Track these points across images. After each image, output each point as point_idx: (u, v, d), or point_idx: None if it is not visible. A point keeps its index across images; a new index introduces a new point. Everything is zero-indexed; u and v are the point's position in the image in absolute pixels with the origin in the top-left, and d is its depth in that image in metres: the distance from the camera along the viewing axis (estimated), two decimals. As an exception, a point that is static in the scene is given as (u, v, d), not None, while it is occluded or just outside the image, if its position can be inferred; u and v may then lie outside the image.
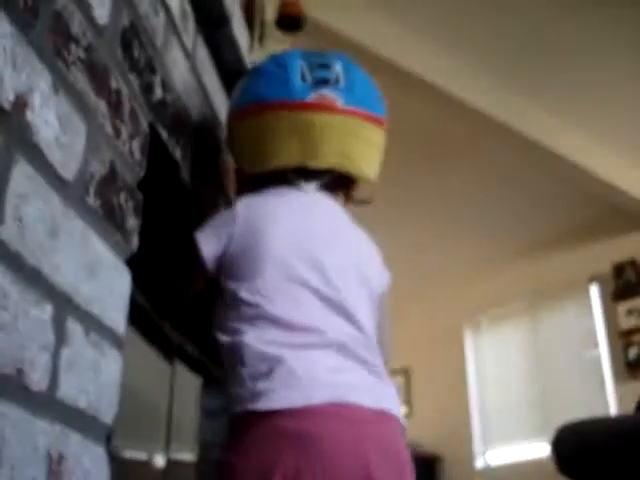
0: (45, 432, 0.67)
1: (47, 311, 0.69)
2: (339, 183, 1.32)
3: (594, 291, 5.49)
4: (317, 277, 1.18)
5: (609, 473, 2.57)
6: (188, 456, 1.98)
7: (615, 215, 5.22)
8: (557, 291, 5.64)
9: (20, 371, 0.64)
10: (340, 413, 1.05)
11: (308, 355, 1.09)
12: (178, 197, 1.20)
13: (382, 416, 1.10)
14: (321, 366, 1.09)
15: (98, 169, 0.82)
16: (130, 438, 1.63)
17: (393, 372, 6.37)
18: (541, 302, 5.76)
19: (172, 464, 1.76)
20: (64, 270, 0.72)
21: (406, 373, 6.51)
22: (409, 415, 6.31)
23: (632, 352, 5.09)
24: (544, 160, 4.50)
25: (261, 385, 1.06)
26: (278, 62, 1.29)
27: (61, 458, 0.70)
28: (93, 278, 0.78)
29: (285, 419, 1.03)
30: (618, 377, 5.12)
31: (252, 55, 1.60)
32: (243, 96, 1.31)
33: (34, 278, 0.67)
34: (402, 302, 5.91)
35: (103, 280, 0.81)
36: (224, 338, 1.15)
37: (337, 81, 1.27)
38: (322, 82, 1.26)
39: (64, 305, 0.72)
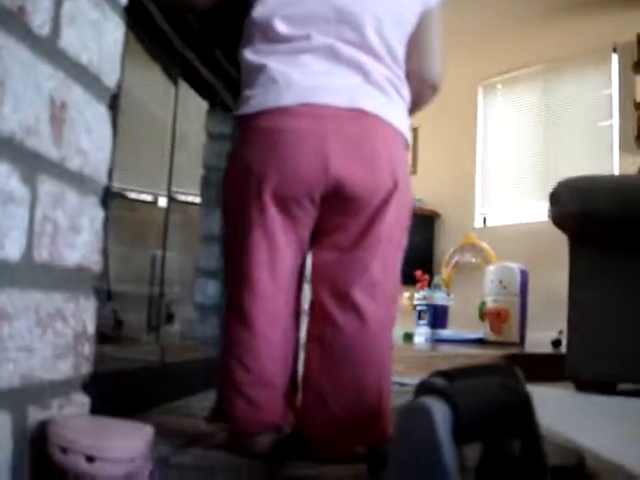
0: (48, 76, 0.69)
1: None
2: None
3: (615, 60, 5.36)
4: None
5: (601, 227, 2.67)
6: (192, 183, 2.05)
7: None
8: (577, 58, 5.51)
9: (22, 9, 0.65)
10: (310, 112, 1.13)
11: (293, 60, 1.17)
12: None
13: (355, 114, 1.15)
14: (303, 70, 1.16)
15: None
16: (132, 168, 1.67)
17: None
18: (559, 68, 5.65)
19: (175, 192, 1.83)
20: None
21: (414, 131, 6.54)
22: (413, 173, 6.44)
23: (644, 125, 5.06)
24: None
25: (247, 92, 1.18)
26: None
27: (64, 106, 0.72)
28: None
29: (260, 119, 1.15)
30: (626, 148, 5.13)
31: None
32: None
33: None
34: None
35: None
36: (239, 52, 1.23)
37: None
38: None
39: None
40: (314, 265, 1.22)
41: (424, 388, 0.78)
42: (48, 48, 0.69)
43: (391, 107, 1.21)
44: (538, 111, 5.77)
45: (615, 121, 5.28)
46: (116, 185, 1.58)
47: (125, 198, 1.83)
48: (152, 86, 1.79)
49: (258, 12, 1.20)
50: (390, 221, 1.19)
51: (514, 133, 5.89)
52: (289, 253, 1.17)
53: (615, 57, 5.35)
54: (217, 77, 1.87)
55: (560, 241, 2.93)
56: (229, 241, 1.21)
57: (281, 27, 1.18)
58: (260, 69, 1.17)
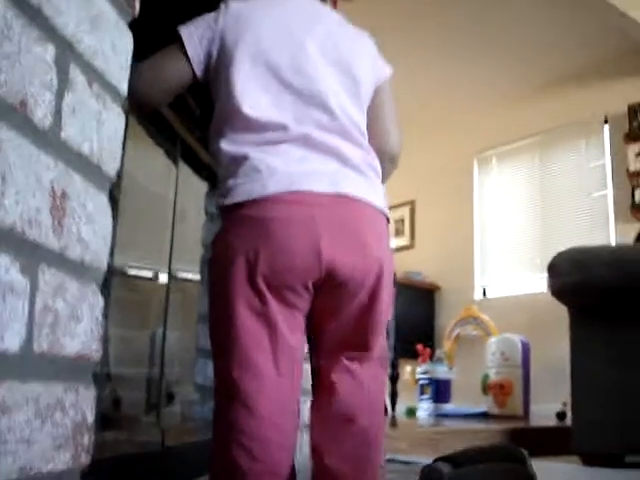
0: (49, 168, 0.70)
1: (50, 52, 0.70)
2: None
3: (607, 131, 5.45)
4: (288, 63, 1.25)
5: (601, 297, 2.66)
6: (192, 259, 2.05)
7: (635, 53, 5.10)
8: (570, 129, 5.61)
9: (24, 103, 0.66)
10: (296, 200, 1.16)
11: (273, 150, 1.19)
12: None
13: (340, 199, 1.19)
14: (283, 159, 1.19)
15: None
16: (133, 249, 1.69)
17: (398, 204, 6.50)
18: (553, 140, 5.74)
19: (176, 270, 1.84)
20: (66, 15, 0.73)
21: (411, 205, 6.60)
22: (411, 246, 6.47)
23: (638, 194, 5.11)
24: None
25: (230, 182, 1.20)
26: None
27: (65, 196, 0.73)
28: (95, 31, 0.79)
29: (246, 209, 1.17)
30: (622, 218, 5.17)
31: None
32: None
33: (35, 16, 0.68)
34: (412, 134, 5.89)
35: (105, 35, 0.82)
36: (210, 144, 1.28)
37: None
38: None
39: (67, 50, 0.73)
40: (318, 344, 1.26)
41: (430, 476, 0.77)
42: (49, 140, 0.71)
43: (370, 188, 1.25)
44: (533, 182, 5.83)
45: (609, 191, 5.33)
46: (116, 264, 1.59)
47: (125, 278, 1.83)
48: (154, 167, 1.81)
49: (226, 103, 1.23)
50: (384, 300, 1.24)
51: (510, 205, 5.94)
52: (288, 337, 1.18)
53: (607, 128, 5.44)
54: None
55: (560, 311, 2.93)
56: (221, 327, 1.19)
57: (255, 116, 1.21)
58: (241, 159, 1.19)
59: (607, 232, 5.25)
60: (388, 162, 1.40)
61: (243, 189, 1.17)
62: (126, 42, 0.88)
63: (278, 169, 1.17)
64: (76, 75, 0.75)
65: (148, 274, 1.91)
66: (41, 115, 0.69)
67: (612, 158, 5.36)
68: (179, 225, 1.79)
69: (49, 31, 0.70)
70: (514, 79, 5.71)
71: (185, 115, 1.63)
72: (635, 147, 5.21)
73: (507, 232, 5.91)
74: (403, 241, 6.51)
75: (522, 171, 5.94)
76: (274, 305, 1.15)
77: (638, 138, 5.21)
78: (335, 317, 1.22)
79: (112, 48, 0.83)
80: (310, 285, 1.17)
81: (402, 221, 6.62)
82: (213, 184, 2.04)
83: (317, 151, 1.21)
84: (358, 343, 1.24)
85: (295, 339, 1.19)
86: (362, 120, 1.32)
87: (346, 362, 1.24)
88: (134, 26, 0.90)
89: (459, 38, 5.11)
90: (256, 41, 1.25)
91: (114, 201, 0.87)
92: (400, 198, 6.43)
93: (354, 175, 1.23)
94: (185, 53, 1.25)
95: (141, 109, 1.34)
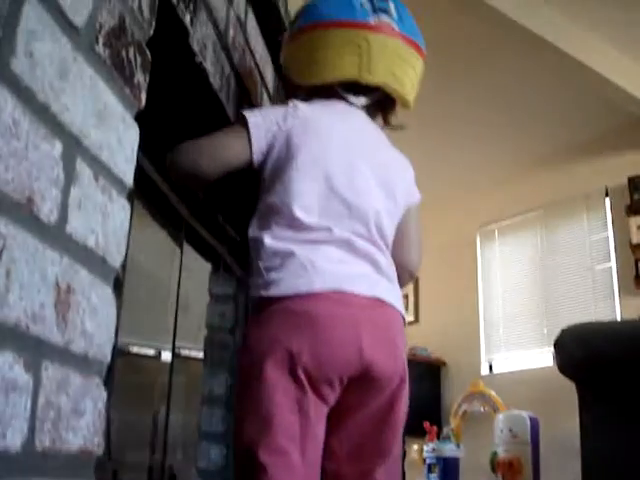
0: (54, 262, 0.70)
1: (57, 148, 0.71)
2: (380, 104, 1.51)
3: (608, 204, 5.48)
4: (344, 176, 1.35)
5: (608, 373, 2.63)
6: (195, 342, 2.05)
7: (634, 127, 5.17)
8: (572, 203, 5.64)
9: (30, 200, 0.67)
10: (338, 298, 1.24)
11: (316, 249, 1.27)
12: (187, 66, 1.20)
13: (376, 302, 1.28)
14: (326, 258, 1.27)
15: (107, 20, 0.83)
16: (139, 321, 1.68)
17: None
18: (555, 214, 5.76)
19: (180, 350, 1.82)
20: (73, 111, 0.74)
21: (415, 281, 6.59)
22: (416, 321, 6.43)
23: (642, 266, 5.11)
24: (565, 68, 4.43)
25: (273, 275, 1.25)
26: None
27: (69, 289, 0.73)
28: (102, 125, 0.80)
29: (292, 302, 1.22)
30: (626, 290, 5.15)
31: None
32: (307, 17, 1.45)
33: (43, 114, 0.69)
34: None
35: (112, 129, 0.83)
36: (250, 233, 1.34)
37: (391, 12, 1.43)
38: (382, 10, 1.41)
39: (73, 145, 0.74)
40: (335, 441, 1.27)
41: None
42: (55, 234, 0.71)
43: (396, 293, 1.35)
44: (537, 255, 5.83)
45: (613, 264, 5.33)
46: (120, 346, 1.58)
47: (129, 360, 1.82)
48: (158, 249, 1.82)
49: (277, 198, 1.30)
50: (405, 401, 1.30)
51: (514, 278, 5.93)
52: (319, 428, 1.22)
53: (608, 201, 5.48)
54: (220, 242, 1.91)
55: (569, 386, 2.88)
56: (253, 412, 1.20)
57: (302, 217, 1.29)
58: (286, 254, 1.26)
59: (612, 304, 5.22)
60: (407, 274, 1.50)
61: (288, 283, 1.23)
62: (132, 134, 0.89)
63: (323, 268, 1.24)
64: (82, 169, 0.76)
65: (151, 355, 1.89)
66: (47, 210, 0.69)
67: (614, 231, 5.38)
68: (183, 309, 1.78)
69: (56, 127, 0.72)
70: (514, 154, 5.78)
71: (189, 198, 1.64)
72: (637, 219, 5.23)
73: (512, 306, 5.88)
74: (408, 317, 6.46)
75: (525, 244, 5.95)
76: (311, 396, 1.19)
77: (639, 210, 5.23)
78: (358, 411, 1.27)
79: (118, 141, 0.85)
80: (345, 380, 1.23)
81: (406, 297, 6.61)
82: (216, 265, 2.04)
83: (355, 255, 1.30)
84: (379, 448, 1.28)
85: (320, 430, 1.23)
86: (391, 235, 1.43)
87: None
88: (140, 117, 0.92)
89: (460, 116, 5.19)
90: (320, 150, 1.34)
91: (119, 287, 0.88)
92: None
93: (385, 282, 1.33)
94: (249, 139, 1.32)
95: (192, 181, 1.40)
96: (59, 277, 0.71)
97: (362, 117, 1.48)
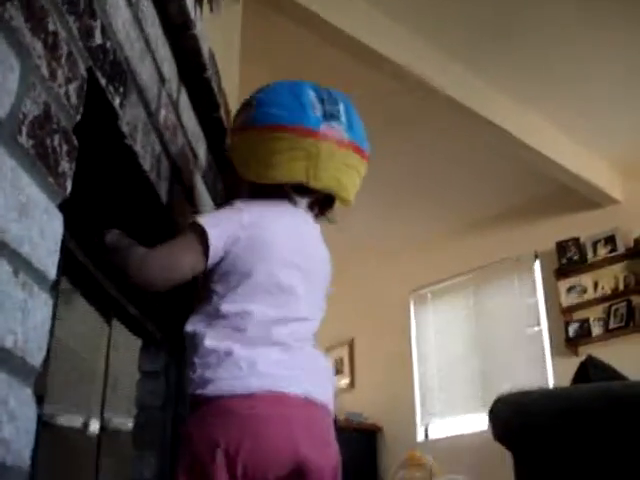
0: (-32, 368, 0.66)
1: (-27, 246, 0.68)
2: (320, 202, 1.57)
3: (537, 268, 5.60)
4: (295, 282, 1.42)
5: (542, 440, 2.64)
6: (125, 420, 1.97)
7: (562, 194, 5.33)
8: (502, 267, 5.75)
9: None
10: (275, 399, 1.29)
11: (253, 350, 1.32)
12: (116, 148, 1.18)
13: (308, 402, 1.33)
14: (263, 360, 1.31)
15: (32, 109, 0.80)
16: (65, 399, 1.62)
17: (337, 343, 6.46)
18: (485, 277, 5.86)
19: (108, 428, 1.76)
20: (-8, 207, 0.71)
21: (350, 344, 6.57)
22: (351, 386, 6.39)
23: (572, 328, 5.21)
24: (494, 138, 4.56)
25: (209, 374, 1.29)
26: (293, 92, 1.47)
27: (-15, 396, 0.69)
28: (23, 218, 0.77)
29: (227, 402, 1.27)
30: (558, 352, 5.24)
31: (199, 11, 1.59)
32: (259, 116, 1.46)
33: (-41, 212, 0.66)
34: (348, 274, 5.94)
35: (34, 221, 0.80)
36: (187, 328, 1.38)
37: (341, 117, 1.47)
38: (332, 116, 1.45)
39: (-8, 242, 0.71)
40: None
41: None
42: (-30, 338, 0.67)
43: (328, 392, 1.41)
44: (470, 319, 5.90)
45: (544, 327, 5.42)
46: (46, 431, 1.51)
47: (56, 439, 1.74)
48: (86, 327, 1.77)
49: (229, 306, 1.36)
50: None
51: (448, 342, 5.97)
52: None
53: (537, 264, 5.59)
54: (149, 318, 1.87)
55: (504, 452, 2.88)
56: None
57: (249, 323, 1.34)
58: (223, 353, 1.30)
59: (544, 366, 5.30)
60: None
61: (225, 383, 1.28)
62: (56, 224, 0.86)
63: (258, 369, 1.29)
64: (1, 266, 0.73)
65: (78, 431, 1.82)
66: (-39, 314, 0.66)
67: (544, 294, 5.48)
68: (111, 387, 1.72)
69: (-27, 225, 0.68)
70: (445, 219, 5.89)
71: (117, 276, 1.60)
72: (565, 283, 5.35)
73: (447, 369, 5.90)
74: (344, 380, 6.43)
75: (458, 307, 6.02)
76: None
77: (568, 274, 5.36)
78: None
79: (40, 233, 0.81)
80: (282, 475, 1.26)
81: (341, 360, 6.56)
82: (146, 341, 1.99)
83: (291, 354, 1.35)
84: None
85: None
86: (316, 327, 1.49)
87: None
88: (68, 200, 0.89)
89: (391, 183, 5.27)
90: (268, 266, 1.40)
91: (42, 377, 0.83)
92: (339, 337, 6.39)
93: (319, 381, 1.39)
94: (205, 250, 1.34)
95: (145, 288, 1.41)
96: (-27, 384, 0.67)
97: (303, 218, 1.54)
